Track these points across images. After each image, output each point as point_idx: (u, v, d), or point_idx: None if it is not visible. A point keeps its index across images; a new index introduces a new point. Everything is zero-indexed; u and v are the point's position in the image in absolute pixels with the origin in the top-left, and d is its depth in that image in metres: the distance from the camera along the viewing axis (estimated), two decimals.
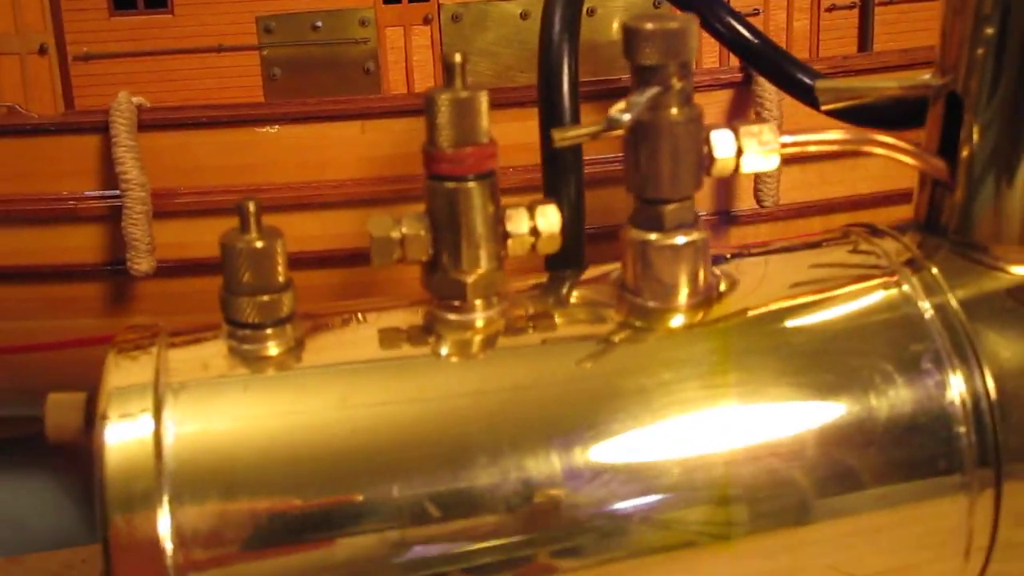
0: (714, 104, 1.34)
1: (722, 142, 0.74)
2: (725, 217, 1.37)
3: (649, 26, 0.70)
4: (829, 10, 1.50)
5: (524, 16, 1.42)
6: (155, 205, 1.25)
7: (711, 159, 0.74)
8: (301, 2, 1.37)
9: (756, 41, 1.12)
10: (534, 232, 0.73)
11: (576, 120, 0.91)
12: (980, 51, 0.78)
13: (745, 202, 1.35)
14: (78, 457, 0.75)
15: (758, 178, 1.32)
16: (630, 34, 0.71)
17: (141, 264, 1.23)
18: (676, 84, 0.72)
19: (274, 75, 1.39)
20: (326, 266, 1.30)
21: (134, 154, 1.22)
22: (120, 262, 1.27)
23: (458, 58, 0.70)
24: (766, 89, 1.28)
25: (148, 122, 1.26)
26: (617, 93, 1.34)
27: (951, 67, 0.80)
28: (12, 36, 1.34)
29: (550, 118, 0.90)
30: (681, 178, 0.73)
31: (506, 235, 0.72)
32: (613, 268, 0.83)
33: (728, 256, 0.83)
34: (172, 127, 1.26)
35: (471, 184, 0.71)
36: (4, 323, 1.37)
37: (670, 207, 0.74)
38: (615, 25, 1.45)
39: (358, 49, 1.39)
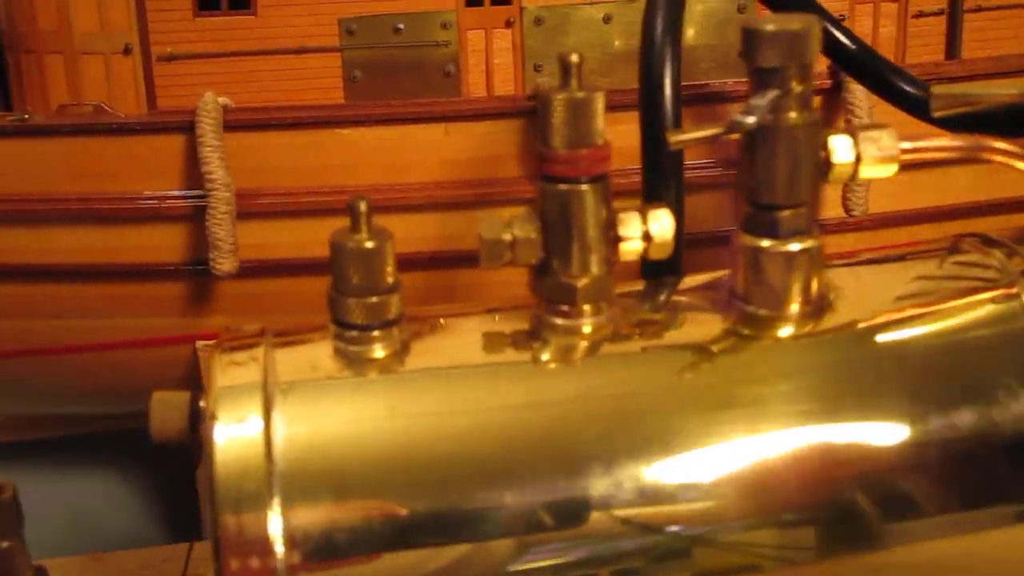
0: None
1: (841, 147, 0.72)
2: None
3: (770, 28, 0.69)
4: (916, 16, 1.47)
5: (606, 20, 1.40)
6: (238, 206, 1.25)
7: (829, 165, 0.72)
8: (383, 4, 1.36)
9: (853, 47, 1.10)
10: (646, 237, 0.71)
11: (678, 124, 0.90)
12: None
13: (832, 210, 1.33)
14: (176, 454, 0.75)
15: (847, 186, 1.30)
16: (750, 36, 0.69)
17: (224, 264, 1.23)
18: (796, 87, 0.70)
19: (355, 77, 1.38)
20: (408, 269, 1.28)
21: (219, 154, 1.22)
22: (202, 262, 1.26)
23: (575, 58, 0.69)
24: (857, 96, 1.26)
25: (232, 122, 1.26)
26: (704, 99, 1.33)
27: None
28: (97, 36, 1.35)
29: (652, 122, 0.88)
30: (798, 184, 0.72)
31: (617, 239, 0.71)
32: (716, 276, 0.81)
33: (835, 264, 0.81)
34: (256, 128, 1.26)
35: (584, 186, 0.70)
36: (85, 321, 1.38)
37: (785, 213, 0.72)
38: (691, 31, 1.43)
39: (439, 52, 1.38)
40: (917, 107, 1.05)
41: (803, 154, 0.71)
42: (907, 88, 1.07)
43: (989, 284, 0.76)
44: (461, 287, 1.30)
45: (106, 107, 1.30)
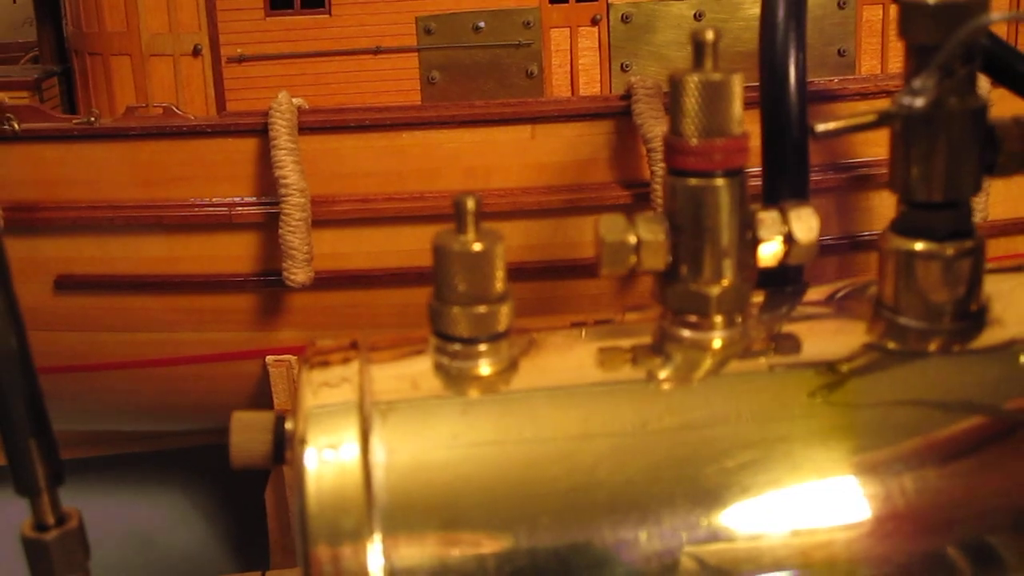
0: None
1: (1011, 135, 0.63)
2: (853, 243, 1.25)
3: (931, 0, 0.60)
4: None
5: (698, 17, 1.33)
6: (312, 213, 1.18)
7: (995, 155, 0.63)
8: (463, 2, 1.30)
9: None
10: (788, 239, 0.63)
11: (804, 116, 0.81)
12: None
13: None
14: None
15: None
16: (909, 11, 0.61)
17: (298, 275, 1.16)
18: (960, 69, 0.62)
19: (432, 79, 1.32)
20: None
21: (294, 157, 1.16)
22: (274, 273, 1.20)
23: (710, 36, 0.61)
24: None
25: (307, 124, 1.19)
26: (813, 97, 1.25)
27: None
28: (166, 36, 1.29)
29: (776, 115, 0.80)
30: (959, 179, 0.63)
31: (756, 241, 0.63)
32: (849, 284, 0.73)
33: (994, 270, 0.72)
34: (332, 130, 1.20)
35: (719, 181, 0.62)
36: (150, 335, 1.32)
37: (944, 212, 0.64)
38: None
39: (521, 52, 1.31)
40: None
41: (967, 144, 0.62)
42: None
43: None
44: (548, 301, 1.22)
45: (176, 109, 1.24)
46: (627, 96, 1.18)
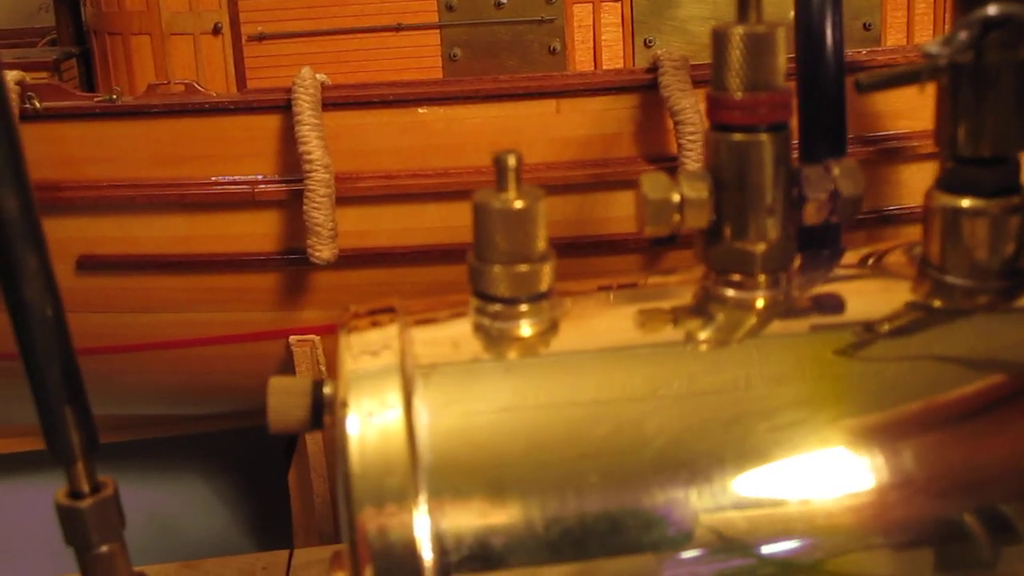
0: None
1: None
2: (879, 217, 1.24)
3: None
4: None
5: None
6: (336, 190, 1.17)
7: None
8: None
9: None
10: (834, 196, 0.62)
11: (841, 80, 0.80)
12: None
13: None
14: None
15: None
16: None
17: (323, 252, 1.15)
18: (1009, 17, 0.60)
19: (454, 56, 1.31)
20: None
21: (318, 132, 1.15)
22: (298, 251, 1.19)
23: None
24: None
25: (330, 100, 1.18)
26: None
27: None
28: (186, 15, 1.29)
29: (813, 73, 0.79)
30: (1007, 133, 0.62)
31: (802, 199, 0.62)
32: (888, 246, 0.72)
33: None
34: (357, 106, 1.19)
35: (763, 136, 0.60)
36: (172, 315, 1.31)
37: (991, 168, 0.62)
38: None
39: (543, 28, 1.30)
40: None
41: (1015, 97, 0.61)
42: None
43: None
44: (574, 278, 1.20)
45: (198, 86, 1.23)
46: (653, 69, 1.17)
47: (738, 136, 0.61)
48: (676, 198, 0.61)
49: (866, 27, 1.31)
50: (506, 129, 1.19)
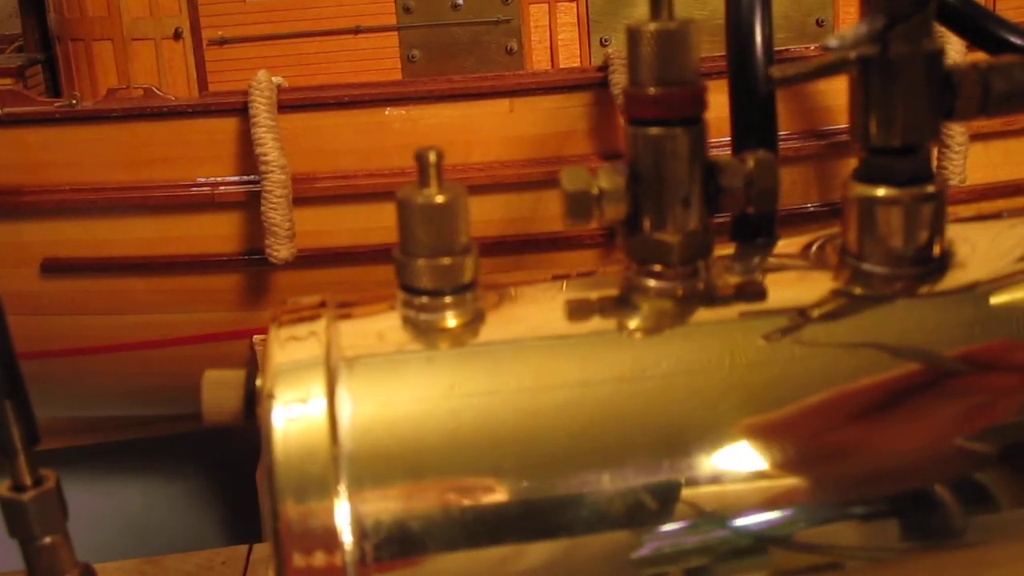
0: None
1: (967, 81, 0.64)
2: None
3: None
4: None
5: None
6: (294, 191, 1.19)
7: (953, 99, 0.64)
8: None
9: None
10: (750, 185, 0.63)
11: (768, 78, 0.81)
12: None
13: None
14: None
15: (943, 154, 1.21)
16: None
17: (281, 251, 1.17)
18: (913, 14, 0.62)
19: (413, 57, 1.32)
20: None
21: (274, 135, 1.16)
22: (259, 251, 1.21)
23: None
24: (953, 49, 1.17)
25: (287, 103, 1.20)
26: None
27: None
28: (147, 20, 1.30)
29: (743, 68, 0.80)
30: (916, 123, 0.63)
31: (719, 190, 0.63)
32: (818, 235, 0.74)
33: (962, 218, 0.73)
34: (312, 108, 1.20)
35: (678, 130, 0.62)
36: (136, 317, 1.33)
37: (903, 158, 0.64)
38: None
39: (500, 28, 1.32)
40: None
41: (923, 87, 0.63)
42: (1015, 40, 0.98)
43: None
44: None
45: (156, 90, 1.25)
46: (604, 67, 1.19)
47: (653, 130, 0.62)
48: (594, 190, 0.63)
49: (819, 23, 1.33)
50: (461, 128, 1.21)
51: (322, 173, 1.21)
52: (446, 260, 0.63)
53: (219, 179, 1.22)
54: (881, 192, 0.65)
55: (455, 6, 1.31)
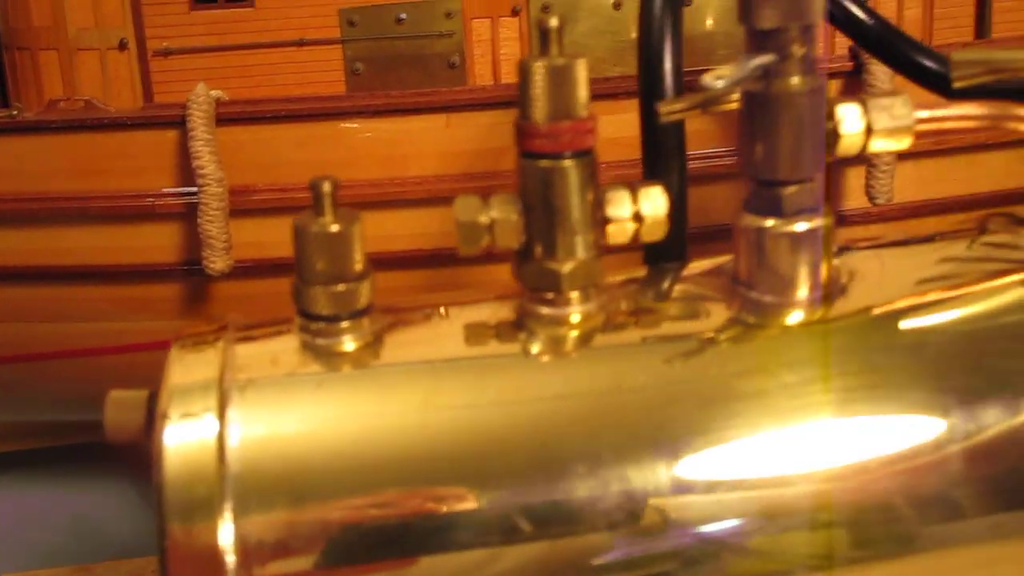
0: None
1: (849, 117, 0.66)
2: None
3: None
4: None
5: (616, 6, 1.35)
6: (233, 202, 1.20)
7: (836, 136, 0.66)
8: None
9: (871, 21, 1.03)
10: (637, 217, 0.65)
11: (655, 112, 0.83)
12: None
13: (855, 200, 1.26)
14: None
15: (870, 173, 1.23)
16: None
17: (217, 263, 1.18)
18: (797, 50, 0.64)
19: (357, 70, 1.33)
20: (409, 267, 1.24)
21: (211, 148, 1.17)
22: (197, 262, 1.22)
23: (554, 22, 0.63)
24: (878, 78, 1.19)
25: (226, 116, 1.21)
26: None
27: None
28: (92, 31, 1.31)
29: (651, 95, 0.82)
30: (802, 157, 0.65)
31: (606, 220, 0.65)
32: (724, 260, 0.75)
33: (854, 247, 0.75)
34: (250, 121, 1.21)
35: (567, 163, 0.64)
36: (80, 325, 1.34)
37: (790, 190, 0.66)
38: (709, 21, 1.37)
39: (443, 42, 1.33)
40: (939, 84, 0.99)
41: (807, 124, 0.65)
42: (929, 64, 1.00)
43: (1017, 266, 0.70)
44: (464, 288, 1.24)
45: (97, 102, 1.26)
46: None
47: (543, 163, 0.64)
48: (485, 220, 0.64)
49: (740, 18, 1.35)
50: (397, 143, 1.22)
51: (261, 185, 1.22)
52: (341, 287, 0.65)
53: (159, 191, 1.23)
54: (769, 223, 0.67)
55: (399, 20, 1.32)
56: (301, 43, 1.32)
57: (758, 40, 0.64)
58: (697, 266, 0.77)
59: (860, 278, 0.71)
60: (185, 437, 0.60)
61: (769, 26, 0.63)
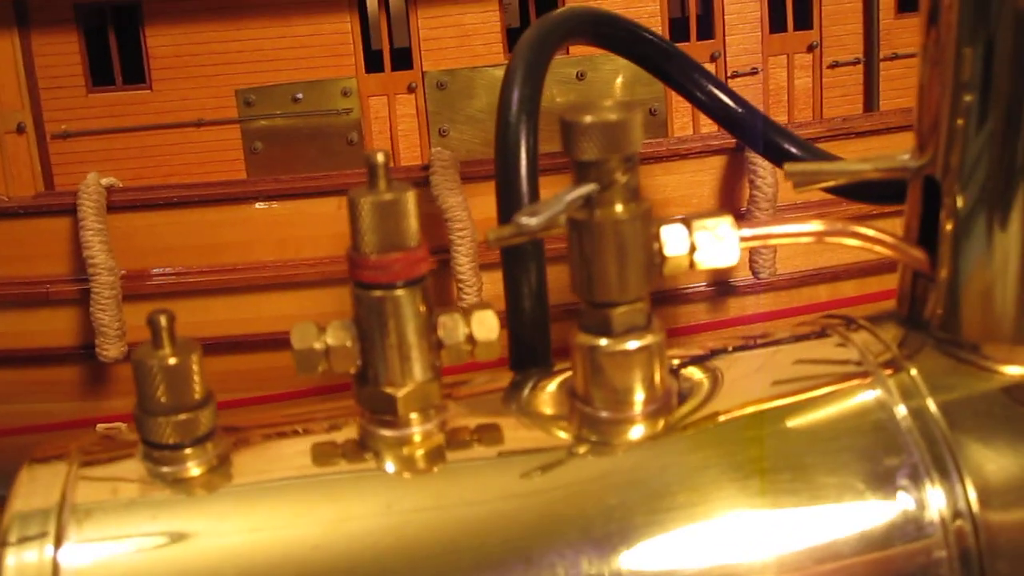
0: (707, 171, 1.28)
1: (674, 239, 0.68)
2: (723, 288, 1.31)
3: (587, 119, 0.65)
4: (831, 67, 1.44)
5: None
6: (127, 287, 1.22)
7: (662, 257, 0.68)
8: (281, 74, 1.34)
9: (740, 109, 1.07)
10: (470, 340, 0.67)
11: (535, 187, 0.86)
12: (959, 122, 0.71)
13: (743, 272, 1.30)
14: None
15: (753, 248, 1.26)
16: (567, 128, 0.66)
17: (110, 351, 1.20)
18: (620, 178, 0.66)
19: (255, 148, 1.35)
20: None
21: (102, 237, 1.19)
22: (93, 346, 1.23)
23: (380, 158, 0.65)
24: (759, 156, 1.23)
25: (119, 203, 1.23)
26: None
27: (928, 141, 0.74)
28: None
29: (507, 201, 0.85)
30: (629, 280, 0.68)
31: (440, 344, 0.67)
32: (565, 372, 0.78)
33: (689, 356, 0.77)
34: (143, 208, 1.23)
35: (400, 292, 0.66)
36: None
37: (619, 310, 0.68)
38: (618, 80, 1.40)
39: (341, 120, 1.35)
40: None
41: (632, 248, 0.67)
42: (794, 150, 1.03)
43: (846, 374, 0.73)
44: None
45: None
46: (427, 167, 1.23)
47: (376, 293, 0.66)
48: (321, 346, 0.66)
49: (652, 112, 1.38)
50: (292, 225, 1.24)
51: (156, 270, 1.24)
52: (183, 416, 0.66)
53: (53, 277, 1.25)
54: (603, 342, 0.69)
55: (295, 98, 1.34)
56: (199, 124, 1.34)
57: (581, 170, 0.66)
58: (553, 376, 0.79)
59: (695, 389, 0.73)
60: (22, 563, 0.61)
61: (589, 158, 0.65)
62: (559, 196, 0.66)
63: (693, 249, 0.68)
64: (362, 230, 0.65)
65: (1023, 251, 0.70)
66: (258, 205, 1.23)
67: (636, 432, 0.69)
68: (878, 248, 0.74)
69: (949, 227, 0.72)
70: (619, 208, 0.67)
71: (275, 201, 1.23)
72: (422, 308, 0.67)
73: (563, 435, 0.70)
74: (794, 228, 0.73)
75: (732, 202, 1.26)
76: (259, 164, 1.35)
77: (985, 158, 0.71)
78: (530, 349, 0.85)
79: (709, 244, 0.69)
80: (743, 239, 0.70)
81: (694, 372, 0.75)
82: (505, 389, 0.78)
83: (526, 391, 0.78)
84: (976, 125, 0.71)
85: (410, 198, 0.66)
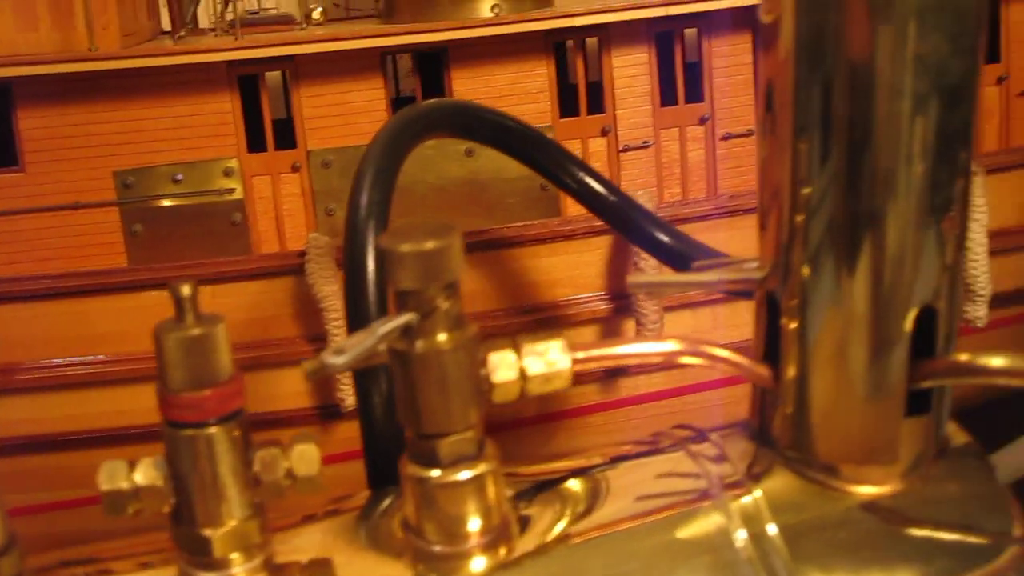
0: (593, 251, 1.27)
1: (502, 366, 0.66)
2: (614, 369, 1.29)
3: (403, 248, 0.63)
4: (724, 139, 1.44)
5: None
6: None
7: (490, 384, 0.66)
8: (161, 155, 1.31)
9: (613, 198, 1.05)
10: (290, 476, 0.64)
11: (383, 313, 0.83)
12: (796, 243, 0.69)
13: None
14: None
15: (642, 324, 1.25)
16: (381, 256, 0.64)
17: None
18: (442, 305, 0.64)
19: (135, 231, 1.32)
20: None
21: None
22: None
23: (186, 290, 0.63)
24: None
25: None
26: (495, 244, 1.28)
27: (768, 254, 0.72)
28: None
29: (355, 307, 0.82)
30: (455, 410, 0.65)
31: (258, 481, 0.64)
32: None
33: (530, 480, 0.75)
34: (10, 300, 1.19)
35: (212, 430, 0.63)
36: None
37: (447, 441, 0.66)
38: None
39: (223, 200, 1.33)
40: (676, 259, 1.01)
41: (457, 378, 0.65)
42: (665, 239, 1.02)
43: (687, 496, 0.70)
44: None
45: None
46: (303, 253, 1.20)
47: (187, 432, 0.63)
48: (128, 486, 0.63)
49: (543, 188, 1.37)
50: (166, 315, 1.21)
51: (27, 363, 1.20)
52: None
53: None
54: (433, 474, 0.66)
55: (175, 179, 1.31)
56: (76, 206, 1.31)
57: (400, 299, 0.64)
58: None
59: (536, 515, 0.71)
60: None
61: (408, 288, 0.63)
62: (372, 328, 0.63)
63: (523, 374, 0.66)
64: (169, 366, 0.63)
65: (866, 372, 0.69)
66: (129, 295, 1.20)
67: (476, 565, 0.67)
68: (723, 367, 0.73)
69: (790, 345, 0.71)
70: (442, 337, 0.64)
71: (147, 291, 1.20)
72: (239, 443, 0.64)
73: (394, 571, 0.67)
74: (634, 349, 0.71)
75: (620, 283, 1.24)
76: (140, 246, 1.32)
77: (824, 270, 0.69)
78: (387, 464, 0.82)
79: (539, 369, 0.66)
80: (576, 361, 0.68)
81: (536, 496, 0.73)
82: (364, 507, 0.75)
83: (376, 515, 0.75)
84: (806, 242, 0.69)
85: (219, 332, 0.63)
